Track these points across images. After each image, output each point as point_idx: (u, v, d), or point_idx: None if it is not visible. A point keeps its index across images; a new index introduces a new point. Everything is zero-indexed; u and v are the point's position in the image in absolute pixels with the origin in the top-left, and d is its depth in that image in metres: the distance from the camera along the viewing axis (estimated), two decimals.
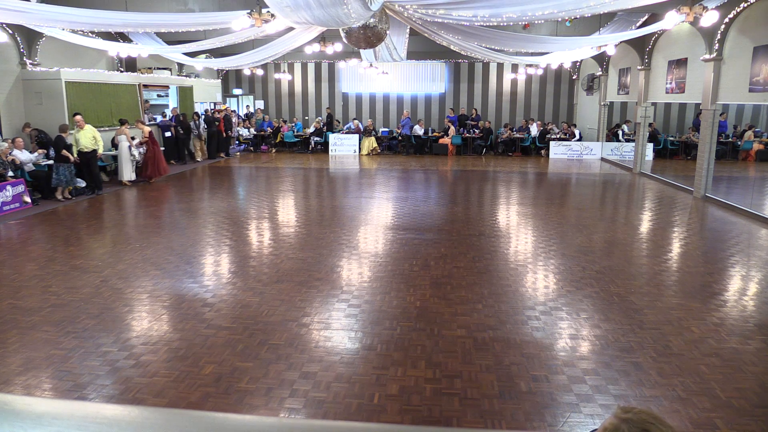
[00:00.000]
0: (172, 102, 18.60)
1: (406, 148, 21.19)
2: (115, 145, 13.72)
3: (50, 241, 8.70)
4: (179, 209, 11.26)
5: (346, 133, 21.59)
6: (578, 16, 9.94)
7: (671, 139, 20.04)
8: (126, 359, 4.69)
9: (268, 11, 8.68)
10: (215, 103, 20.69)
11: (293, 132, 22.06)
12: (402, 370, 4.55)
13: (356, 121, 22.25)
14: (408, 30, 12.76)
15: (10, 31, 12.56)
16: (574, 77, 22.05)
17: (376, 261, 7.57)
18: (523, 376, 4.45)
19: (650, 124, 17.61)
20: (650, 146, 18.26)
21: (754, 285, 6.84)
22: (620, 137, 19.96)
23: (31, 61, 13.23)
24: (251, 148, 21.97)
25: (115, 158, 13.94)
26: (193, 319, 5.57)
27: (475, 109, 22.59)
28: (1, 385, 4.28)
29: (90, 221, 10.10)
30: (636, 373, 4.51)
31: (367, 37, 9.36)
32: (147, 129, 14.01)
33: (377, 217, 10.44)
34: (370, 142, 20.92)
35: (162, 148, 15.04)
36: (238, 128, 21.62)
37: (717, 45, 11.57)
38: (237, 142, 21.43)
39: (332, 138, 20.98)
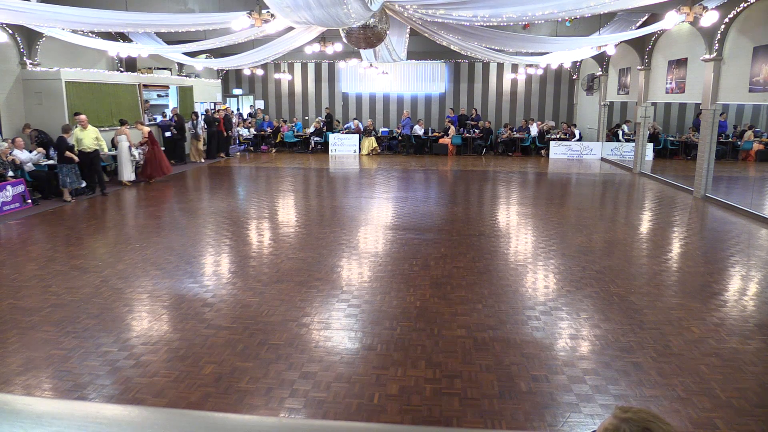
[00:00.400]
0: (172, 102, 18.60)
1: (406, 148, 21.19)
2: (114, 145, 13.71)
3: (50, 241, 8.70)
4: (179, 209, 11.26)
5: (346, 133, 21.59)
6: (578, 17, 9.95)
7: (671, 139, 20.04)
8: (126, 359, 4.69)
9: (268, 11, 8.68)
10: (215, 103, 20.68)
11: (293, 132, 22.06)
12: (402, 370, 4.55)
13: (356, 121, 22.26)
14: (408, 30, 12.76)
15: (10, 31, 12.56)
16: (574, 77, 22.06)
17: (376, 261, 7.57)
18: (523, 376, 4.45)
19: (652, 125, 17.64)
20: (650, 146, 18.27)
21: (754, 285, 6.84)
22: (620, 137, 19.97)
23: (31, 61, 13.23)
24: (251, 148, 21.97)
25: (114, 158, 13.94)
26: (193, 319, 5.57)
27: (475, 109, 22.59)
28: (1, 385, 4.28)
29: (90, 221, 10.10)
30: (636, 373, 4.51)
31: (367, 37, 9.36)
32: (146, 130, 14.01)
33: (377, 217, 10.44)
34: (370, 142, 20.92)
35: (162, 148, 15.03)
36: (238, 128, 21.61)
37: (717, 45, 11.58)
38: (237, 141, 21.41)
39: (332, 138, 20.98)
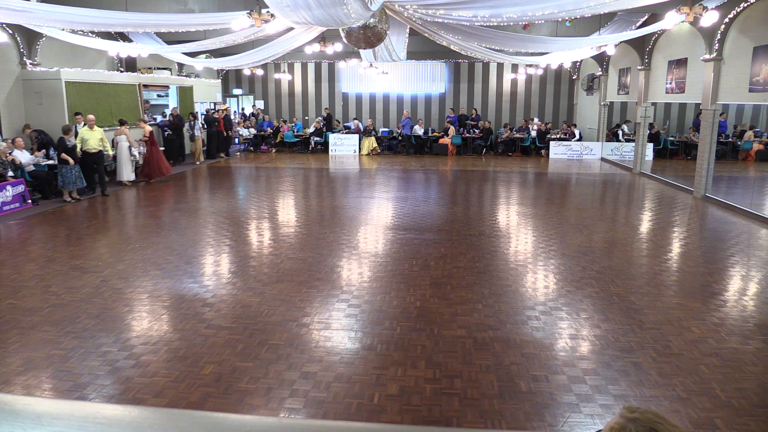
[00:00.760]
0: (172, 102, 18.59)
1: (406, 148, 21.19)
2: (114, 145, 13.70)
3: (50, 241, 8.70)
4: (179, 209, 11.26)
5: (346, 132, 21.59)
6: (578, 17, 9.95)
7: (671, 139, 20.04)
8: (126, 359, 4.69)
9: (268, 11, 8.68)
10: (215, 103, 20.68)
11: (293, 132, 22.06)
12: (402, 370, 4.55)
13: (356, 121, 22.26)
14: (408, 30, 12.76)
15: (10, 31, 12.56)
16: (574, 77, 22.06)
17: (376, 261, 7.57)
18: (523, 376, 4.45)
19: (653, 125, 17.64)
20: (650, 146, 18.27)
21: (754, 285, 6.84)
22: (620, 137, 19.97)
23: (31, 61, 13.23)
24: (251, 148, 21.97)
25: (114, 158, 13.94)
26: (193, 319, 5.57)
27: (475, 109, 22.59)
28: (1, 385, 4.28)
29: (90, 221, 10.10)
30: (636, 373, 4.51)
31: (367, 37, 9.36)
32: (148, 129, 14.00)
33: (377, 217, 10.44)
34: (370, 142, 20.92)
35: (162, 148, 15.03)
36: (239, 128, 21.61)
37: (717, 45, 11.58)
38: (236, 141, 21.40)
39: (332, 138, 20.98)
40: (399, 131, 21.54)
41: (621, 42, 15.05)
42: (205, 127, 18.94)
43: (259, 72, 22.83)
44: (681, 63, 13.74)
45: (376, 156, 20.58)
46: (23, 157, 11.56)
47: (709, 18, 9.20)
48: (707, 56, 11.88)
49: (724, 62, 11.62)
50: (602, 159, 19.48)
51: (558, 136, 20.61)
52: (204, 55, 18.77)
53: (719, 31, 11.44)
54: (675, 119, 21.64)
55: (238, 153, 21.07)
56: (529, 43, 13.45)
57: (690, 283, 6.79)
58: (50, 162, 12.38)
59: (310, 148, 21.35)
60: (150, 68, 18.04)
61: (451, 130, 20.88)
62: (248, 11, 9.02)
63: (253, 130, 22.14)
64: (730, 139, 19.08)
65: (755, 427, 3.82)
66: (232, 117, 21.54)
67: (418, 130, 21.18)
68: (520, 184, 14.59)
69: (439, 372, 4.52)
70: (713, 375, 4.48)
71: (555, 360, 4.75)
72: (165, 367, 4.56)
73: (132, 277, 6.83)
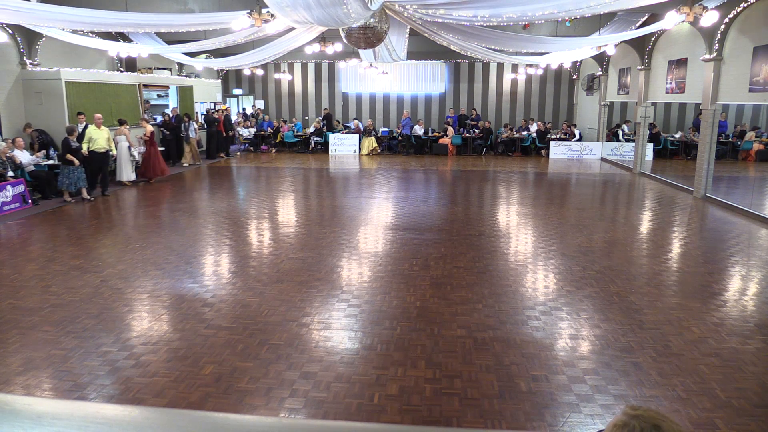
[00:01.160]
0: (172, 102, 18.59)
1: (406, 148, 21.20)
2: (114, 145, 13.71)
3: (50, 241, 8.70)
4: (179, 209, 11.26)
5: (346, 133, 21.59)
6: (578, 17, 9.95)
7: (671, 139, 20.04)
8: (126, 359, 4.69)
9: (268, 11, 8.69)
10: (215, 103, 20.68)
11: (293, 132, 22.06)
12: (402, 370, 4.55)
13: (356, 121, 22.27)
14: (408, 30, 12.77)
15: (10, 31, 12.56)
16: (574, 77, 22.06)
17: (376, 261, 7.57)
18: (523, 376, 4.45)
19: (653, 125, 17.65)
20: (650, 146, 18.27)
21: (754, 285, 6.84)
22: (620, 137, 19.97)
23: (31, 61, 13.23)
24: (251, 148, 21.97)
25: (114, 158, 13.93)
26: (193, 319, 5.57)
27: (474, 110, 22.59)
28: (1, 385, 4.28)
29: (90, 221, 10.10)
30: (636, 373, 4.51)
31: (367, 37, 9.36)
32: (150, 128, 13.99)
33: (377, 217, 10.44)
34: (370, 142, 20.93)
35: (161, 149, 15.02)
36: (239, 128, 21.61)
37: (717, 45, 11.58)
38: (236, 141, 21.36)
39: (332, 138, 20.99)
40: (399, 131, 21.54)
41: (621, 42, 15.05)
42: (205, 127, 18.92)
43: (259, 72, 22.83)
44: (681, 63, 13.74)
45: (376, 156, 20.58)
46: (23, 157, 11.56)
47: (709, 18, 9.20)
48: (707, 56, 11.88)
49: (724, 62, 11.62)
50: (602, 159, 19.48)
51: (558, 136, 20.61)
52: (204, 55, 18.78)
53: (719, 31, 11.44)
54: (675, 119, 21.65)
55: (238, 153, 21.07)
56: (529, 43, 13.46)
57: (690, 283, 6.79)
58: (50, 162, 12.38)
59: (310, 148, 21.35)
60: (150, 68, 18.03)
61: (450, 130, 20.88)
62: (248, 11, 9.02)
63: (252, 130, 22.14)
64: (730, 139, 19.08)
65: (755, 427, 3.82)
66: (234, 117, 21.51)
67: (418, 130, 21.18)
68: (520, 184, 14.59)
69: (439, 372, 4.52)
70: (713, 375, 4.48)
71: (555, 360, 4.75)
72: (165, 367, 4.56)
73: (132, 277, 6.83)
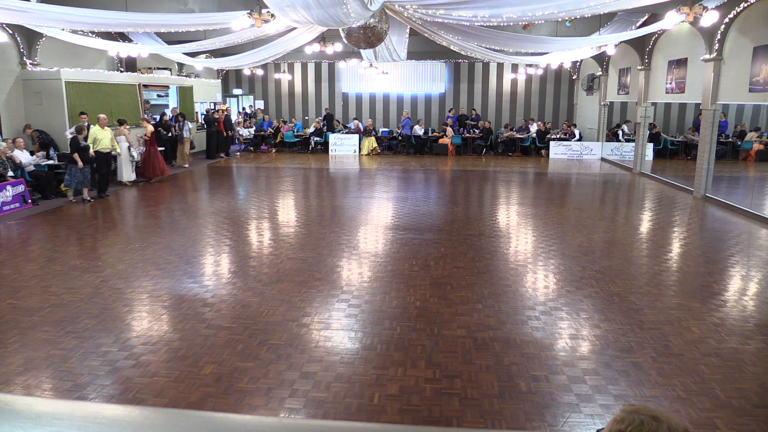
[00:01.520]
0: (172, 102, 18.59)
1: (406, 148, 21.20)
2: None
3: (50, 241, 8.70)
4: (179, 209, 11.26)
5: (346, 133, 21.59)
6: (578, 17, 9.95)
7: (671, 139, 20.04)
8: (126, 359, 4.69)
9: (268, 11, 8.68)
10: (215, 103, 20.68)
11: (293, 132, 22.06)
12: (402, 370, 4.55)
13: (356, 121, 22.26)
14: (408, 30, 12.76)
15: (10, 31, 12.56)
16: (574, 77, 22.06)
17: (376, 261, 7.57)
18: (523, 376, 4.45)
19: (653, 125, 17.65)
20: (650, 146, 18.27)
21: (754, 285, 6.84)
22: (620, 137, 19.96)
23: (31, 61, 13.23)
24: (251, 148, 21.97)
25: (114, 158, 13.93)
26: (193, 319, 5.57)
27: (474, 110, 22.59)
28: (1, 385, 4.28)
29: (90, 221, 10.10)
30: (636, 373, 4.51)
31: (367, 37, 9.36)
32: (150, 129, 13.98)
33: (377, 217, 10.44)
34: (370, 142, 20.92)
35: (161, 149, 15.01)
36: (239, 128, 21.60)
37: (717, 45, 11.57)
38: (236, 141, 21.34)
39: (332, 138, 20.99)
40: (399, 131, 21.54)
41: (621, 42, 15.05)
42: (205, 126, 18.90)
43: (259, 72, 22.83)
44: (681, 63, 13.74)
45: (376, 156, 20.58)
46: (23, 157, 11.56)
47: (709, 18, 9.20)
48: (707, 56, 11.88)
49: (724, 62, 11.62)
50: (602, 159, 19.48)
51: (558, 136, 20.61)
52: (204, 55, 18.77)
53: (719, 31, 11.44)
54: (675, 119, 21.64)
55: (238, 153, 21.07)
56: (529, 43, 13.45)
57: (690, 283, 6.79)
58: (50, 162, 12.38)
59: (310, 148, 21.35)
60: (150, 68, 18.03)
61: (449, 131, 20.88)
62: (248, 11, 9.02)
63: (251, 130, 22.13)
64: (730, 139, 19.08)
65: (755, 427, 3.82)
66: (234, 117, 21.49)
67: (418, 130, 21.18)
68: (520, 184, 14.59)
69: (439, 372, 4.52)
70: (713, 375, 4.48)
71: (555, 360, 4.75)
72: (165, 367, 4.56)
73: (132, 277, 6.83)
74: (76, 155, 11.14)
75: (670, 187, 13.84)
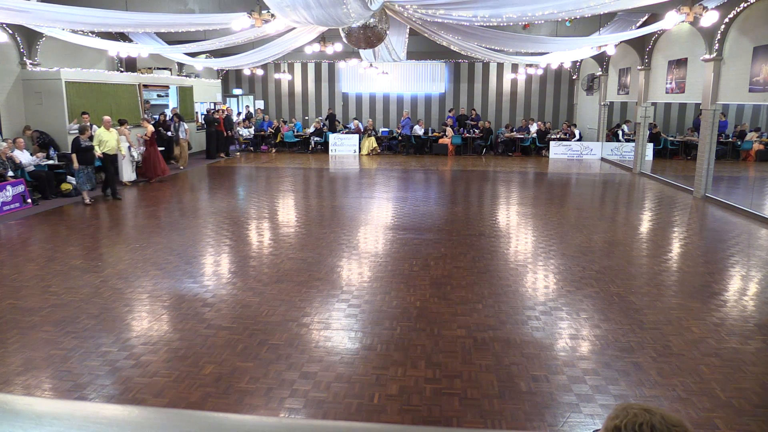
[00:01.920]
0: (172, 102, 18.58)
1: (406, 148, 21.20)
2: None
3: (50, 241, 8.70)
4: (179, 209, 11.26)
5: (346, 133, 21.59)
6: (578, 17, 9.94)
7: (671, 139, 20.04)
8: (126, 359, 4.69)
9: (268, 11, 8.69)
10: (215, 103, 20.68)
11: (293, 132, 22.06)
12: (402, 370, 4.55)
13: (356, 121, 22.26)
14: (408, 30, 12.76)
15: (10, 31, 12.56)
16: (574, 77, 22.06)
17: (376, 261, 7.57)
18: (523, 376, 4.45)
19: (653, 125, 17.64)
20: (650, 146, 18.27)
21: (754, 285, 6.84)
22: (620, 137, 19.96)
23: (31, 61, 13.23)
24: (251, 148, 21.97)
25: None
26: (193, 319, 5.57)
27: (474, 110, 22.59)
28: (1, 385, 4.28)
29: (90, 221, 10.10)
30: (636, 373, 4.51)
31: (367, 37, 9.36)
32: (151, 129, 13.98)
33: (377, 217, 10.44)
34: (370, 142, 20.93)
35: (161, 149, 15.01)
36: (239, 128, 21.60)
37: (717, 45, 11.57)
38: (236, 141, 21.32)
39: (332, 138, 20.99)
40: (399, 131, 21.54)
41: (621, 42, 15.05)
42: (205, 126, 18.89)
43: (259, 72, 22.82)
44: (681, 63, 13.74)
45: (376, 156, 20.58)
46: (23, 157, 11.56)
47: (709, 18, 9.20)
48: (707, 56, 11.88)
49: (724, 62, 11.62)
50: (602, 159, 19.48)
51: (558, 136, 20.61)
52: (204, 55, 18.77)
53: (719, 31, 11.44)
54: (675, 119, 21.64)
55: (238, 153, 21.06)
56: (529, 43, 13.45)
57: (690, 283, 6.79)
58: (50, 162, 12.37)
59: (310, 148, 21.35)
60: (150, 68, 18.03)
61: (449, 131, 20.88)
62: (248, 11, 9.03)
63: (251, 130, 22.13)
64: (730, 139, 19.08)
65: (755, 427, 3.82)
66: (235, 117, 21.48)
67: (418, 130, 21.19)
68: (520, 184, 14.59)
69: (439, 372, 4.52)
70: (713, 375, 4.48)
71: (555, 360, 4.75)
72: (165, 367, 4.56)
73: (132, 277, 6.83)
74: (73, 156, 11.09)
75: (670, 187, 13.84)
